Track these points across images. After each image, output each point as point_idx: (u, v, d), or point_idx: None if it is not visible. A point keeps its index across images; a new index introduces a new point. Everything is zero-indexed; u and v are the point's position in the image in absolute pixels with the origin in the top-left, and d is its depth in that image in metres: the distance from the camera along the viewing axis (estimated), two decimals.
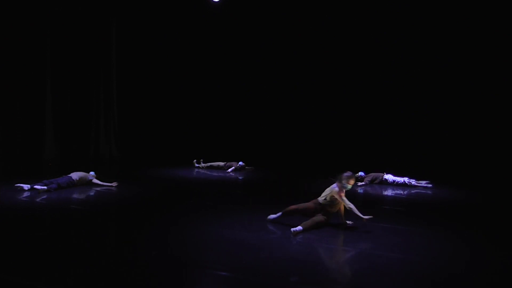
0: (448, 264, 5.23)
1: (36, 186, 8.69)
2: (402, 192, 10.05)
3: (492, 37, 13.06)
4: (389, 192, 10.05)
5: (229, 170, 12.79)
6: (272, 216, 6.85)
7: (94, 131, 15.35)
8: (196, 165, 13.46)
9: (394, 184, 10.72)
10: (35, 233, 6.18)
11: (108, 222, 7.31)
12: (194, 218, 7.09)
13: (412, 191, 10.14)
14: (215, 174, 12.39)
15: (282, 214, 6.78)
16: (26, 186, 8.78)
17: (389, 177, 10.87)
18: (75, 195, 8.80)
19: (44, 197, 8.41)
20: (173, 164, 13.54)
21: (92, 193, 9.05)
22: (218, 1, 14.33)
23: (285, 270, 4.93)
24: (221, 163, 13.20)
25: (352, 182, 6.67)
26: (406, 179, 10.74)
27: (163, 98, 16.73)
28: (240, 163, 13.06)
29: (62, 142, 14.47)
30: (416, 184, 10.63)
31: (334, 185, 6.68)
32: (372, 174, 11.04)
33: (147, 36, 16.20)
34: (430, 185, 10.60)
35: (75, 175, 9.53)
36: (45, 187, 8.74)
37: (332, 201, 6.61)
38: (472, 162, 12.99)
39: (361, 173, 11.15)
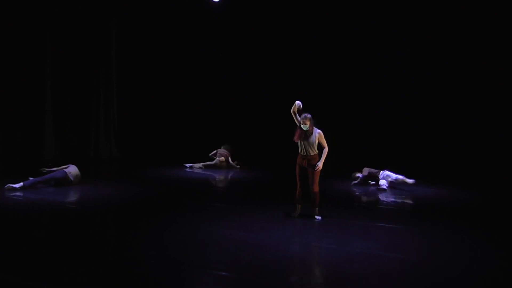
0: (449, 264, 5.23)
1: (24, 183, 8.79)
2: (402, 192, 10.03)
3: (492, 37, 13.06)
4: (389, 192, 10.02)
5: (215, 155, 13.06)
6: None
7: (94, 131, 15.34)
8: (187, 164, 13.38)
9: (390, 182, 10.44)
10: (33, 233, 6.18)
11: (107, 222, 7.31)
12: (194, 218, 7.09)
13: (412, 192, 10.10)
14: (214, 174, 12.37)
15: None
16: (17, 185, 8.78)
17: (384, 174, 10.52)
18: (73, 195, 8.80)
19: (43, 196, 8.41)
20: (173, 164, 13.52)
21: (90, 193, 9.04)
22: (218, 1, 14.33)
23: (285, 270, 4.93)
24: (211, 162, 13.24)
25: (306, 122, 6.95)
26: (398, 177, 10.38)
27: (163, 98, 16.73)
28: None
29: (62, 142, 14.46)
30: (404, 180, 10.27)
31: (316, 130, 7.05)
32: (370, 170, 10.68)
33: (147, 37, 16.20)
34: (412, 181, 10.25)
35: (73, 170, 9.49)
36: (29, 181, 8.87)
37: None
38: (472, 162, 12.99)
39: (359, 175, 10.96)
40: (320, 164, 7.01)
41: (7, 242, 5.74)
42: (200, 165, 13.25)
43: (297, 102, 7.15)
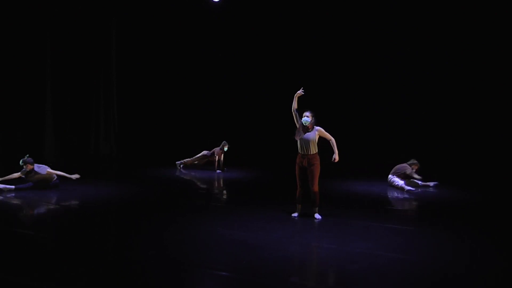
0: (449, 264, 5.22)
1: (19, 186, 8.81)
2: (402, 192, 10.03)
3: (492, 37, 13.07)
4: (390, 192, 10.02)
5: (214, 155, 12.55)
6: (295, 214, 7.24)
7: (94, 131, 15.36)
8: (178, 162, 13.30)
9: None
10: (33, 233, 6.18)
11: (107, 222, 7.31)
12: (194, 218, 7.08)
13: (412, 192, 10.09)
14: (214, 174, 12.37)
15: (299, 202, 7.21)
16: (2, 186, 8.76)
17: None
18: (73, 195, 8.79)
19: (42, 196, 8.40)
20: (173, 164, 13.51)
21: (90, 193, 9.04)
22: (218, 1, 14.33)
23: (285, 270, 4.93)
24: (205, 153, 12.98)
25: (309, 115, 6.96)
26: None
27: (163, 98, 16.74)
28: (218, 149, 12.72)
29: (62, 142, 14.46)
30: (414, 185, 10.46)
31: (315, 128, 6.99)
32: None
33: (147, 37, 16.20)
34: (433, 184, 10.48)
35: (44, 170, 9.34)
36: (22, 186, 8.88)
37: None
38: (472, 162, 12.99)
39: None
40: (336, 156, 7.08)
41: (7, 242, 5.74)
42: (191, 159, 13.15)
43: (299, 91, 7.07)
